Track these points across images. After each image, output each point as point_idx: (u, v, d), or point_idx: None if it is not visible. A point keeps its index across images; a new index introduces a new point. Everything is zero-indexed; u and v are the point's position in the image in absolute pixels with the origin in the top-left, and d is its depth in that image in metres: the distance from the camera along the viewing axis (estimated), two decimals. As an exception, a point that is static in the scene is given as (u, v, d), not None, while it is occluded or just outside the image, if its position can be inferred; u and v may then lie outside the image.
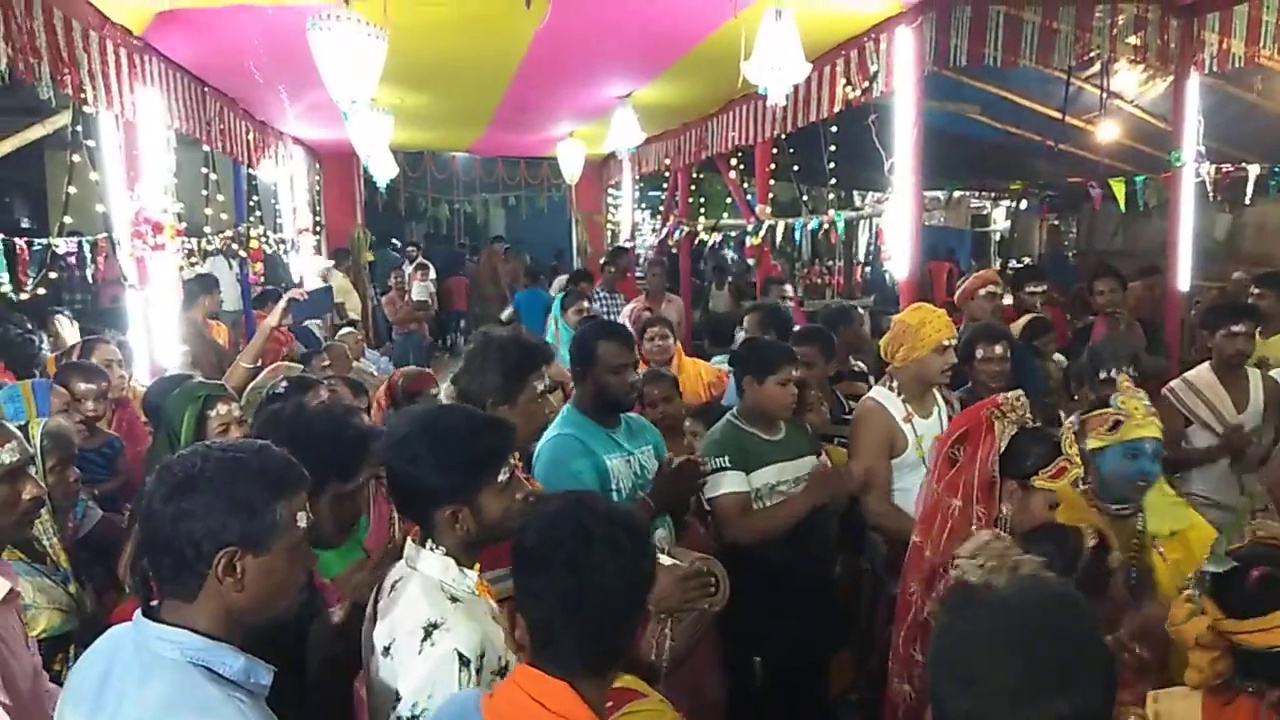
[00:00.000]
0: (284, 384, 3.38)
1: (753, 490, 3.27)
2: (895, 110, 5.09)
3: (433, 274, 12.40)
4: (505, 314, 8.42)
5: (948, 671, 1.21)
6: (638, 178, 10.74)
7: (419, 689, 1.72)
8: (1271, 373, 4.19)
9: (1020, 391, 2.63)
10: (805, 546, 3.27)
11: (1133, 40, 5.65)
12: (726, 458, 3.25)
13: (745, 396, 3.39)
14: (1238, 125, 7.40)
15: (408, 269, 11.92)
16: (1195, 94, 5.51)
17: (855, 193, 12.55)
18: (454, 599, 1.84)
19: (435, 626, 1.76)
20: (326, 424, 2.29)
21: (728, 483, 3.23)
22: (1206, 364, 4.05)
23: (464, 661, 1.72)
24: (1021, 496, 2.48)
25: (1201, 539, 2.55)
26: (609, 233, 11.88)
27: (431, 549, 1.89)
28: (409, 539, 1.97)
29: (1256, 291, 4.99)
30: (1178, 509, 2.86)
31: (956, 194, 11.18)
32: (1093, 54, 5.95)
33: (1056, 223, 12.48)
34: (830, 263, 13.55)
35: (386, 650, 1.81)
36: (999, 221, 12.98)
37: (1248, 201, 6.80)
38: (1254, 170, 5.57)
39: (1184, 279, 5.63)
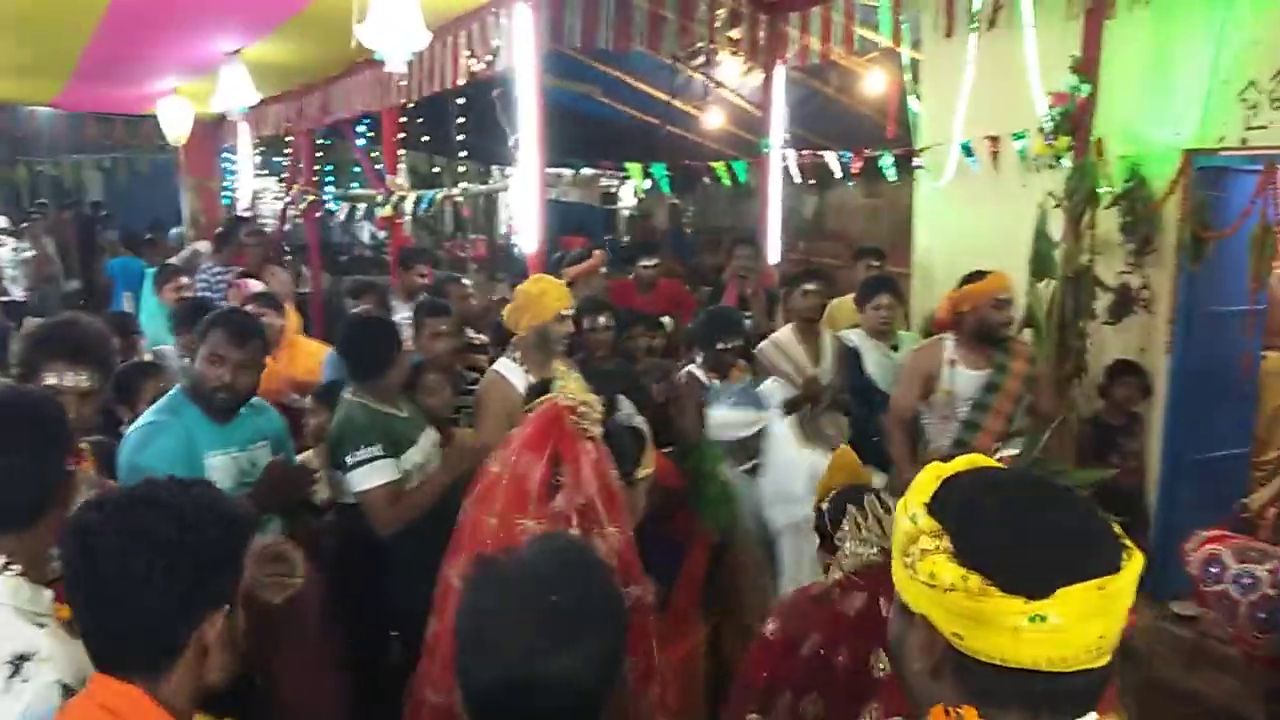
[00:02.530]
0: None
1: (403, 473, 3.14)
2: (517, 86, 5.16)
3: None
4: (72, 286, 7.44)
5: (470, 644, 1.20)
6: (257, 141, 10.00)
7: None
8: (841, 333, 4.81)
9: (593, 396, 2.50)
10: (435, 520, 3.24)
11: (733, 34, 6.18)
12: (379, 446, 3.07)
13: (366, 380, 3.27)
14: (820, 116, 8.38)
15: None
16: (782, 86, 6.14)
17: (495, 166, 12.61)
18: (40, 624, 1.57)
19: (25, 658, 1.49)
20: None
21: (381, 473, 3.06)
22: (789, 325, 4.55)
23: (68, 692, 1.47)
24: (630, 493, 2.41)
25: None
26: (227, 200, 10.95)
27: None
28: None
29: (874, 264, 5.64)
30: None
31: (588, 171, 11.60)
32: (698, 45, 6.44)
33: (677, 201, 13.43)
34: (472, 236, 13.54)
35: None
36: (627, 199, 13.71)
37: (852, 183, 7.71)
38: (831, 157, 6.32)
39: (774, 252, 6.28)
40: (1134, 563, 0.97)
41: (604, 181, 12.74)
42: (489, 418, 3.52)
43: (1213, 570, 2.73)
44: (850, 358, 4.56)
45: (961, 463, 1.08)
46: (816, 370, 4.37)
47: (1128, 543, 1.00)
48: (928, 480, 1.06)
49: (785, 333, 4.51)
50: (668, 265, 8.19)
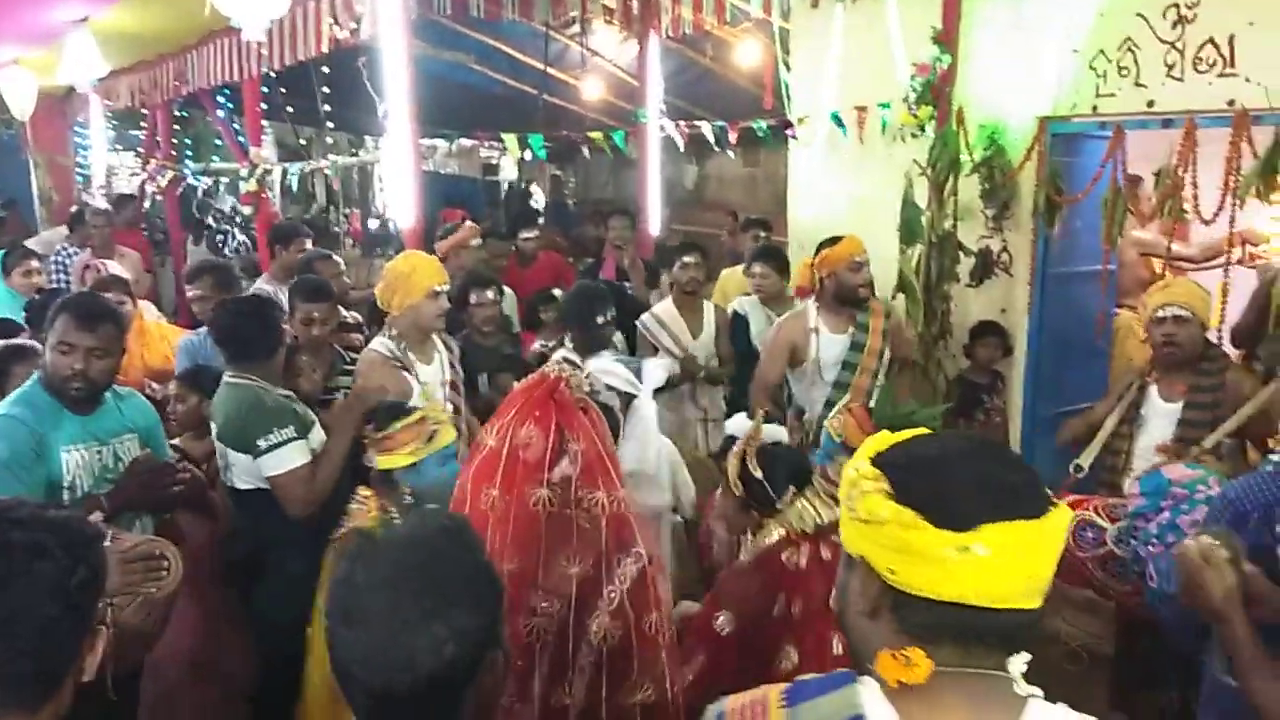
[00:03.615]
0: None
1: (312, 453, 3.04)
2: (384, 54, 5.00)
3: None
4: None
5: (342, 617, 1.22)
6: (110, 114, 9.45)
7: None
8: (734, 301, 4.89)
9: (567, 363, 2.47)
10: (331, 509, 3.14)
11: (607, 1, 6.13)
12: (292, 427, 2.96)
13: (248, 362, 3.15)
14: (698, 86, 8.42)
15: None
16: (656, 56, 6.13)
17: (367, 137, 12.22)
18: None
19: None
20: None
21: (298, 454, 2.95)
22: (669, 297, 4.61)
23: None
24: None
25: None
26: (81, 178, 10.32)
27: None
28: None
29: (761, 235, 5.72)
30: None
31: (467, 142, 11.35)
32: (572, 14, 6.37)
33: (558, 173, 13.32)
34: (348, 210, 13.11)
35: None
36: (508, 170, 13.49)
37: (731, 154, 7.75)
38: (707, 127, 6.35)
39: (655, 223, 6.30)
40: (1058, 514, 1.05)
41: (484, 153, 12.48)
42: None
43: (1089, 535, 2.78)
44: (738, 325, 4.65)
45: (909, 433, 1.16)
46: (697, 343, 4.44)
47: (1054, 499, 1.07)
48: (876, 442, 1.15)
49: (666, 305, 4.55)
50: (549, 237, 8.13)
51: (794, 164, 5.65)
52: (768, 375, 4.07)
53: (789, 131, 5.53)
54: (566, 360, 3.81)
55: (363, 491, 2.50)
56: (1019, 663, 1.07)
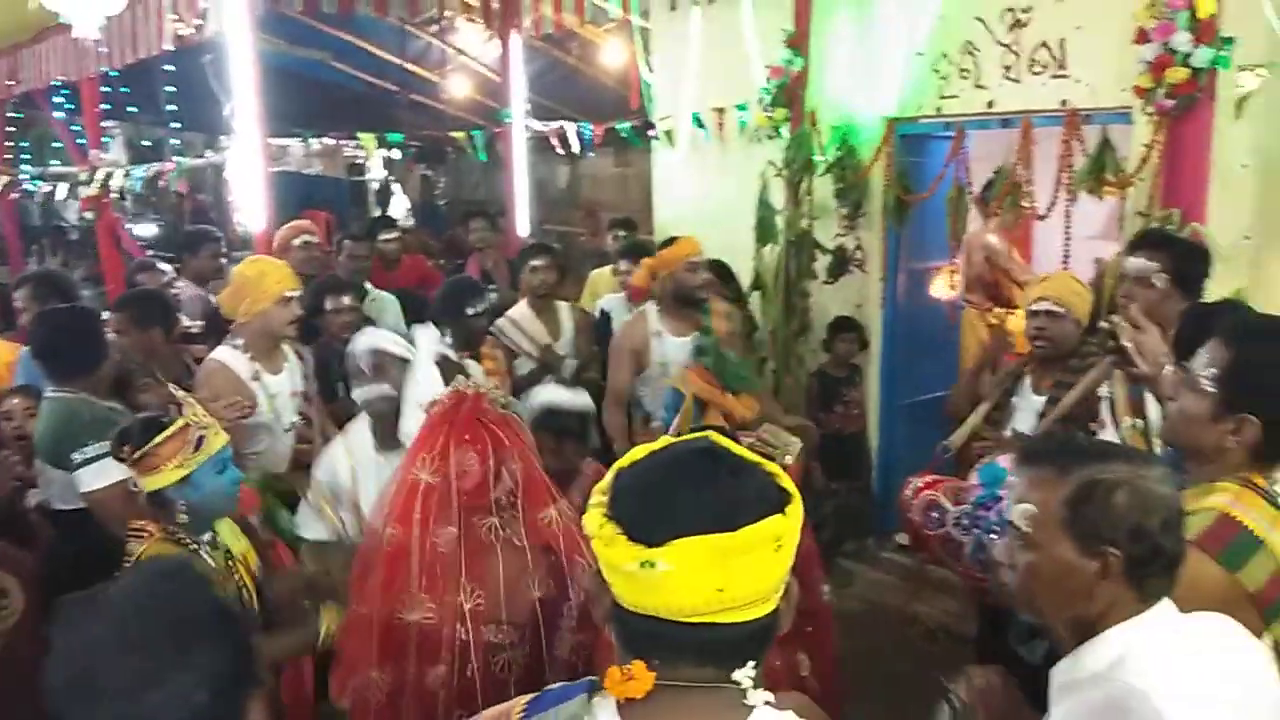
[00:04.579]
0: None
1: None
2: (230, 51, 4.79)
3: None
4: None
5: (69, 692, 1.10)
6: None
7: None
8: (601, 299, 4.86)
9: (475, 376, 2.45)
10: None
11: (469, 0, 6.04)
12: (109, 442, 2.75)
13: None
14: (564, 86, 8.38)
15: None
16: (519, 55, 6.07)
17: (223, 138, 11.70)
18: None
19: None
20: None
21: (115, 470, 2.63)
22: (524, 301, 4.51)
23: None
24: None
25: None
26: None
27: None
28: None
29: (621, 235, 5.70)
30: None
31: (329, 142, 11.03)
32: (430, 12, 6.25)
33: (428, 173, 13.04)
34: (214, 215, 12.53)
35: None
36: (375, 171, 13.14)
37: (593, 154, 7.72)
38: (571, 127, 6.33)
39: (523, 224, 6.24)
40: (762, 528, 1.00)
41: (349, 152, 12.13)
42: (209, 410, 3.28)
43: (934, 515, 2.85)
44: (601, 324, 4.62)
45: (661, 443, 1.13)
46: (556, 345, 4.39)
47: (783, 513, 1.03)
48: (629, 456, 1.12)
49: (520, 309, 4.48)
50: (415, 238, 7.98)
51: (657, 164, 5.68)
52: (616, 383, 3.95)
53: (650, 132, 5.56)
54: (446, 359, 3.75)
55: (135, 523, 2.26)
56: (745, 673, 1.06)
